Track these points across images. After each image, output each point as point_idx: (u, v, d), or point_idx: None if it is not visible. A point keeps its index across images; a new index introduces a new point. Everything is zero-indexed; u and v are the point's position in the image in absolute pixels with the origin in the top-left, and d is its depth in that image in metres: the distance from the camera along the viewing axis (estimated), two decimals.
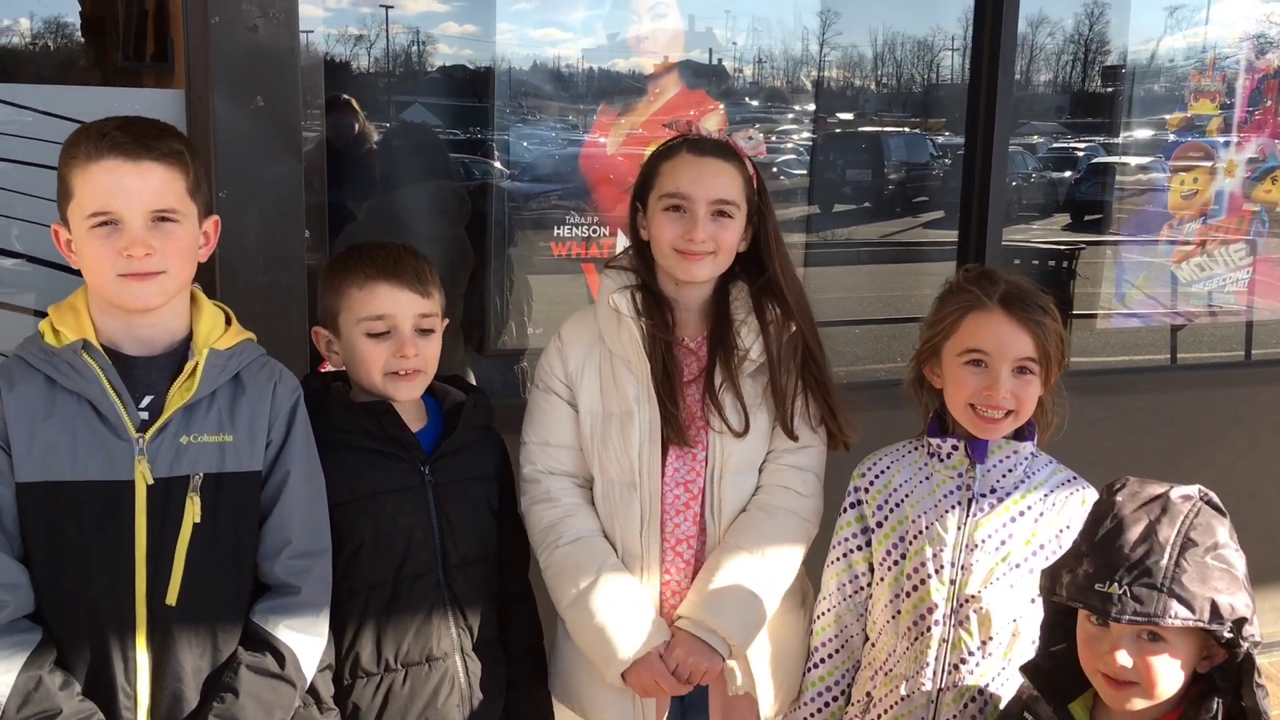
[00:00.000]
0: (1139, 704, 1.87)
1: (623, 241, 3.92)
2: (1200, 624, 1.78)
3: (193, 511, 2.04)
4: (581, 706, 2.56)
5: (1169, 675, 1.83)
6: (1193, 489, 1.91)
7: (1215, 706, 1.82)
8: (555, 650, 2.61)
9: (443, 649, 2.35)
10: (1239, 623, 1.78)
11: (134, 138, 2.00)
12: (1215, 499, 1.91)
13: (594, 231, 3.94)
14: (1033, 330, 2.30)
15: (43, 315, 2.96)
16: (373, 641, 2.31)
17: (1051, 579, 1.95)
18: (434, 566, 2.35)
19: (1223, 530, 1.86)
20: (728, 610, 2.38)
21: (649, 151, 2.58)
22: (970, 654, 2.32)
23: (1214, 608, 1.78)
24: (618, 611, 2.39)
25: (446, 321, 2.50)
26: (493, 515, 2.48)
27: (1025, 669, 2.06)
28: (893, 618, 2.41)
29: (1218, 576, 1.80)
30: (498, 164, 4.12)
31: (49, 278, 2.95)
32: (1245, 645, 1.79)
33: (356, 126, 3.92)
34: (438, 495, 2.36)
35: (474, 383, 2.67)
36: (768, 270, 2.50)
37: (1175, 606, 1.77)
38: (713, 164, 2.44)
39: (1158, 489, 1.90)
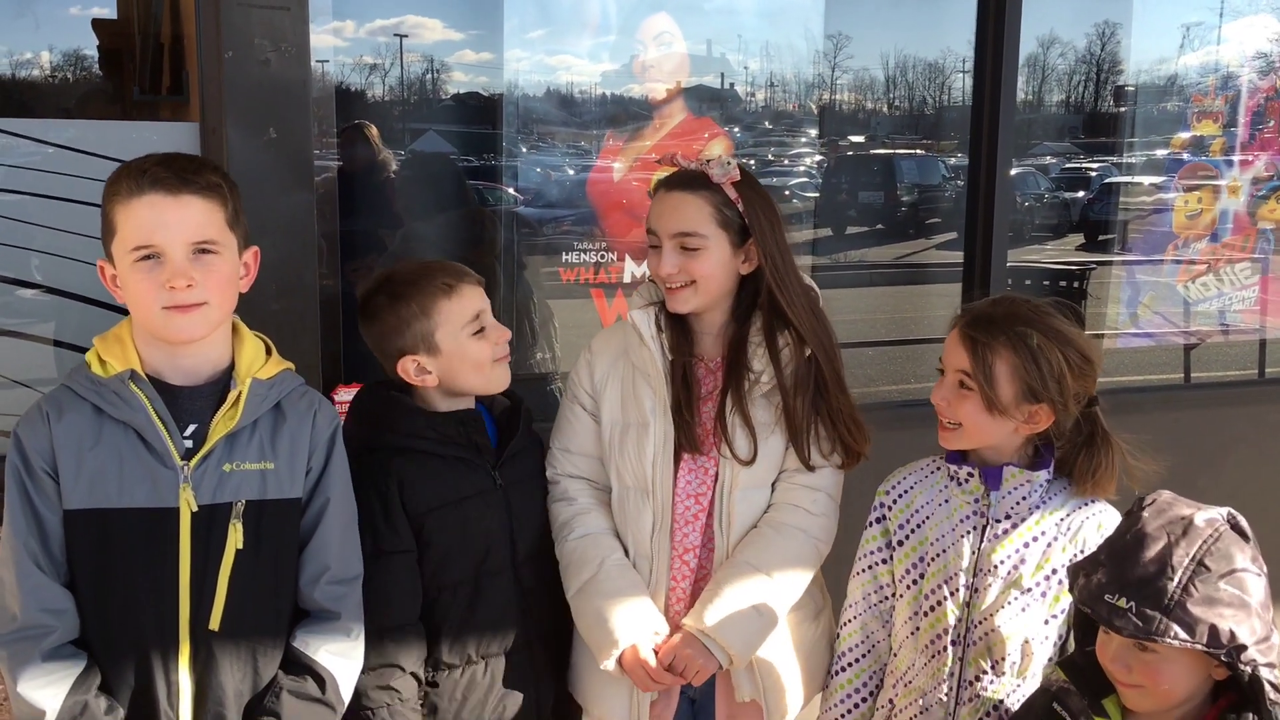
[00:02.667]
0: (1149, 704, 1.94)
1: (629, 266, 3.97)
2: (1197, 647, 1.83)
3: (235, 538, 2.08)
4: (585, 698, 2.63)
5: (1169, 680, 1.89)
6: (1220, 512, 1.94)
7: None
8: (574, 644, 2.66)
9: (517, 641, 2.48)
10: (1238, 649, 1.82)
11: (173, 173, 2.04)
12: (1242, 523, 1.94)
13: (603, 257, 3.97)
14: (970, 347, 2.32)
15: (60, 345, 3.04)
16: (459, 636, 2.41)
17: (1072, 577, 2.02)
18: (507, 563, 2.47)
19: (1242, 556, 1.90)
20: (730, 623, 2.43)
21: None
22: (984, 672, 2.36)
23: (1213, 633, 1.82)
24: (617, 599, 2.46)
25: None
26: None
27: (1064, 665, 2.10)
28: (912, 633, 2.46)
29: (1226, 602, 1.84)
30: (511, 190, 4.16)
31: (67, 308, 3.00)
32: (1246, 669, 1.83)
33: (372, 155, 3.96)
34: (508, 496, 2.48)
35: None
36: (771, 293, 2.51)
37: (1175, 629, 1.83)
38: (674, 198, 2.49)
39: (1186, 510, 1.94)
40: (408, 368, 2.43)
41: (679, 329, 2.56)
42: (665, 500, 2.52)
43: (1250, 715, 1.85)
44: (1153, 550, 1.89)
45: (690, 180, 2.50)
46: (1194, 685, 1.92)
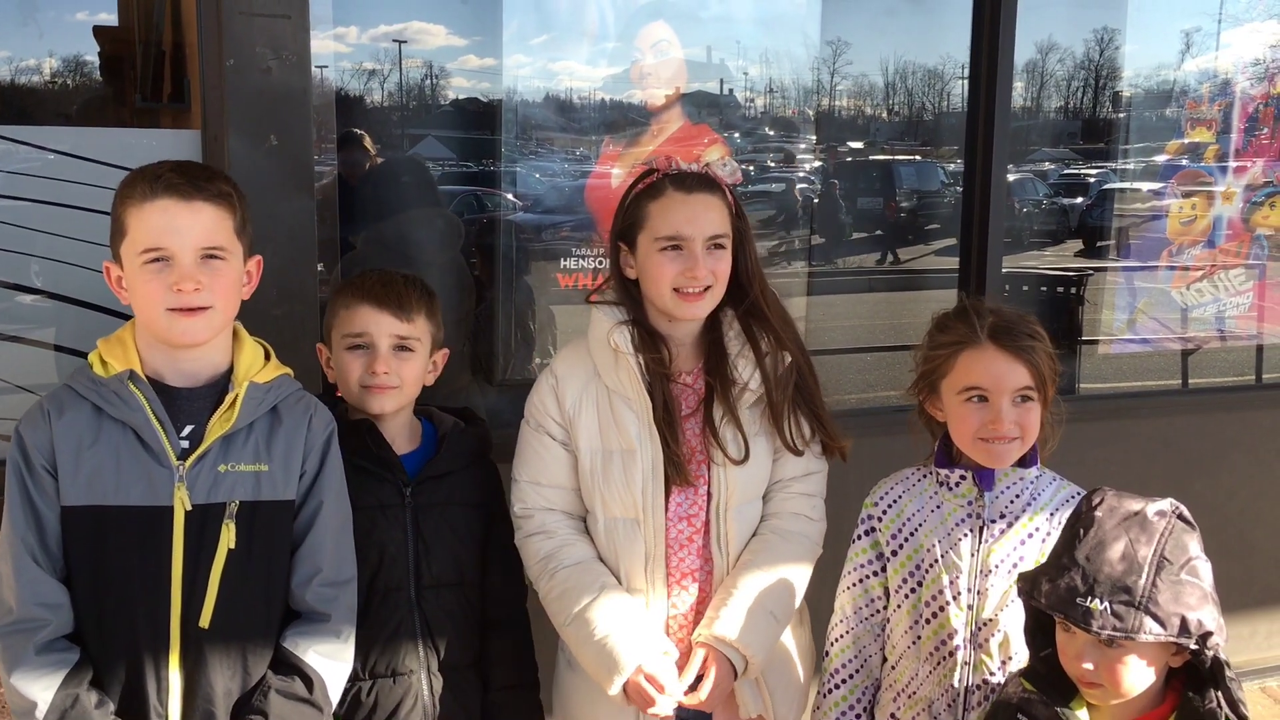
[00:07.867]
0: (1112, 700, 1.98)
1: None
2: (1170, 639, 1.89)
3: (228, 537, 2.12)
4: None
5: (1130, 676, 1.94)
6: (1165, 504, 1.99)
7: (1215, 697, 1.92)
8: (557, 680, 2.62)
9: (408, 665, 2.42)
10: (1204, 636, 1.89)
11: (187, 179, 2.09)
12: (1186, 513, 2.00)
13: (600, 263, 3.99)
14: (1025, 359, 2.36)
15: (61, 350, 3.06)
16: None
17: (1031, 584, 2.03)
18: (406, 584, 2.43)
19: (1194, 544, 1.97)
20: (747, 628, 2.40)
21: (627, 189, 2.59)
22: (992, 674, 2.38)
23: (1183, 623, 1.89)
24: (619, 624, 2.40)
25: (446, 351, 2.59)
26: (476, 543, 2.53)
27: (1025, 675, 2.13)
28: (913, 643, 2.46)
29: (1189, 592, 1.91)
30: (510, 196, 4.17)
31: (68, 313, 3.02)
32: (1210, 654, 1.89)
33: (368, 162, 3.97)
34: (417, 517, 2.44)
35: (479, 413, 2.72)
36: (750, 294, 2.53)
37: (1149, 623, 1.87)
38: (703, 199, 2.47)
39: (1135, 505, 1.98)
40: (321, 353, 2.59)
41: (654, 345, 2.50)
42: (658, 527, 2.47)
43: (1214, 692, 1.91)
44: (1117, 549, 1.93)
45: (707, 182, 2.51)
46: (1154, 673, 1.97)
